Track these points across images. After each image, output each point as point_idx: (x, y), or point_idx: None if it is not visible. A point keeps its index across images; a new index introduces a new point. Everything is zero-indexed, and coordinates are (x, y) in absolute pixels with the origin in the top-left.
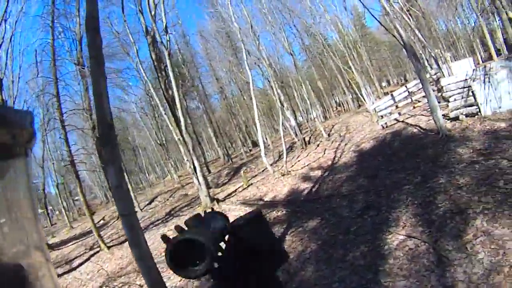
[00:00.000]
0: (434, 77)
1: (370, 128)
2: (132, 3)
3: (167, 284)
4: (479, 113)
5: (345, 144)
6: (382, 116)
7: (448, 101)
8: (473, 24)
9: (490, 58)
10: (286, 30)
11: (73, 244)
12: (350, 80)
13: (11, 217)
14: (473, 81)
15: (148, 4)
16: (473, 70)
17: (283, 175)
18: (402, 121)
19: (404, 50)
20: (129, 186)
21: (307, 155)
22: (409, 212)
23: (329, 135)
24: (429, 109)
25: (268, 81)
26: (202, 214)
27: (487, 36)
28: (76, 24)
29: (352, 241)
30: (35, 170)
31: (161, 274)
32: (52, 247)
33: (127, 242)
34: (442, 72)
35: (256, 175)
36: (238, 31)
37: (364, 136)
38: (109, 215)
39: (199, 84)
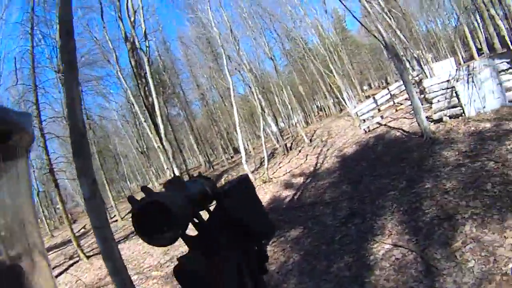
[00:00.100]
0: (416, 78)
1: (352, 132)
2: (112, 10)
3: None
4: (463, 114)
5: (327, 149)
6: (364, 120)
7: (431, 103)
8: (454, 25)
9: (471, 58)
10: (267, 34)
11: (53, 253)
12: (331, 84)
13: (14, 218)
14: (457, 81)
15: (127, 10)
16: (456, 70)
17: (265, 182)
18: (385, 125)
19: (385, 52)
20: (110, 194)
21: (289, 161)
22: (395, 219)
23: (311, 140)
24: (412, 112)
25: (249, 87)
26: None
27: (468, 36)
28: (56, 31)
29: (337, 251)
30: None
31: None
32: None
33: None
34: (425, 73)
35: None
36: (218, 36)
37: (346, 141)
38: (90, 224)
39: (180, 91)
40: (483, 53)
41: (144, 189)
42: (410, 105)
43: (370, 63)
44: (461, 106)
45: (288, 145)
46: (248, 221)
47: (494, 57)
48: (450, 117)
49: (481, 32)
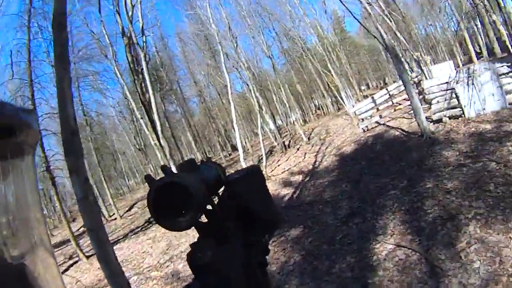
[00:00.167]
0: (415, 79)
1: (350, 131)
2: (110, 4)
3: None
4: (462, 115)
5: (326, 148)
6: (363, 119)
7: (430, 104)
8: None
9: (470, 61)
10: (265, 33)
11: None
12: (329, 83)
13: (22, 215)
14: (457, 83)
15: (125, 5)
16: (457, 72)
17: None
18: (383, 124)
19: (383, 53)
20: (108, 192)
21: (287, 159)
22: (397, 219)
23: (309, 138)
24: (411, 112)
25: (247, 84)
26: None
27: (468, 40)
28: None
29: (338, 251)
30: None
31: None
32: None
33: None
34: (425, 75)
35: None
36: (216, 33)
37: (345, 140)
38: None
39: (177, 88)
40: (482, 57)
41: (164, 168)
42: (409, 105)
43: (368, 63)
44: (461, 107)
45: (286, 143)
46: (258, 210)
47: (494, 61)
48: (450, 117)
49: (480, 37)
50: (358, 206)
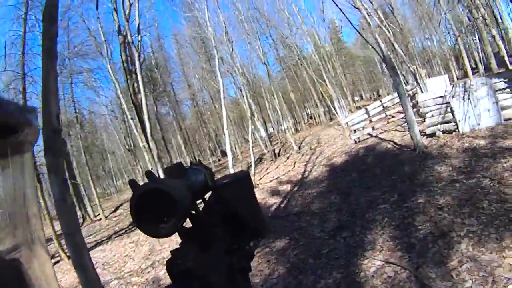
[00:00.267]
0: (410, 92)
1: (342, 142)
2: (108, 1)
3: None
4: (457, 130)
5: (316, 158)
6: (355, 130)
7: (425, 117)
8: (451, 44)
9: (465, 76)
10: (262, 39)
11: None
12: (323, 93)
13: (21, 210)
14: (452, 97)
15: (123, 3)
16: (453, 86)
17: None
18: (376, 136)
19: (378, 65)
20: (94, 191)
21: (276, 168)
22: (386, 234)
23: (299, 147)
24: (404, 125)
25: (240, 90)
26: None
27: (464, 54)
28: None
29: (324, 266)
30: None
31: None
32: None
33: (89, 252)
34: (421, 88)
35: None
36: (213, 36)
37: (336, 150)
38: None
39: (171, 90)
40: (477, 72)
41: (149, 174)
42: (403, 118)
43: (363, 74)
44: (455, 122)
45: (277, 151)
46: (245, 217)
47: (491, 76)
48: (444, 132)
49: (477, 52)
50: (346, 219)
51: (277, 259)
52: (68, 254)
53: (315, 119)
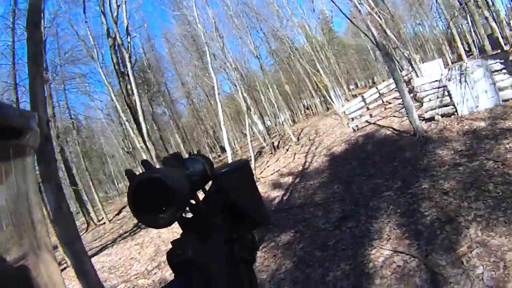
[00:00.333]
0: (405, 78)
1: (340, 131)
2: (96, 4)
3: None
4: (455, 113)
5: (316, 148)
6: (352, 119)
7: (421, 102)
8: (443, 29)
9: (459, 59)
10: (253, 34)
11: None
12: (318, 83)
13: (25, 216)
14: (449, 80)
15: (110, 5)
16: (449, 69)
17: None
18: (374, 123)
19: (371, 52)
20: (96, 196)
21: (277, 160)
22: (392, 222)
23: (298, 139)
24: (401, 111)
25: (235, 85)
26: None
27: (457, 38)
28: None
29: (332, 258)
30: None
31: None
32: None
33: (95, 257)
34: (416, 73)
35: None
36: (203, 33)
37: (335, 139)
38: (78, 227)
39: (165, 89)
40: (471, 54)
41: (145, 163)
42: (399, 104)
43: (357, 63)
44: (454, 105)
45: (275, 143)
46: (246, 206)
47: (486, 58)
48: (442, 115)
49: (470, 35)
50: (351, 208)
51: (283, 253)
52: None
53: (311, 110)
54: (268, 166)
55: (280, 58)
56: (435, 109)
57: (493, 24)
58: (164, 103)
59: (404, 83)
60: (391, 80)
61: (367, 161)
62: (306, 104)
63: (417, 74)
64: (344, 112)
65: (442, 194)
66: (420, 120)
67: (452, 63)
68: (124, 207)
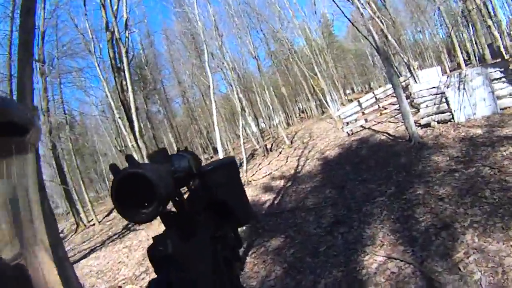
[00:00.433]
0: (403, 84)
1: (335, 135)
2: None
3: None
4: (452, 120)
5: (309, 152)
6: (347, 123)
7: (418, 108)
8: (443, 37)
9: (458, 67)
10: (253, 34)
11: None
12: (314, 87)
13: (25, 213)
14: (447, 87)
15: None
16: (448, 76)
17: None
18: (369, 128)
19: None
20: (86, 196)
21: (269, 163)
22: (386, 228)
23: (292, 142)
24: (397, 116)
25: (231, 85)
26: None
27: (457, 46)
28: (40, 16)
29: (323, 265)
30: None
31: None
32: None
33: (83, 260)
34: (415, 79)
35: None
36: (202, 31)
37: (328, 143)
38: (68, 228)
39: (161, 87)
40: (470, 63)
41: (129, 158)
42: (395, 109)
43: (355, 68)
44: (451, 112)
45: (269, 146)
46: (231, 204)
47: (486, 66)
48: (439, 122)
49: (470, 44)
50: (343, 214)
51: (273, 259)
52: None
53: (306, 113)
54: (260, 169)
55: (278, 60)
56: (431, 115)
57: (496, 33)
58: (160, 101)
59: (402, 89)
60: (388, 86)
61: (361, 166)
62: (301, 107)
63: (415, 80)
64: (339, 116)
65: (438, 200)
66: (416, 126)
67: (450, 71)
68: (114, 208)
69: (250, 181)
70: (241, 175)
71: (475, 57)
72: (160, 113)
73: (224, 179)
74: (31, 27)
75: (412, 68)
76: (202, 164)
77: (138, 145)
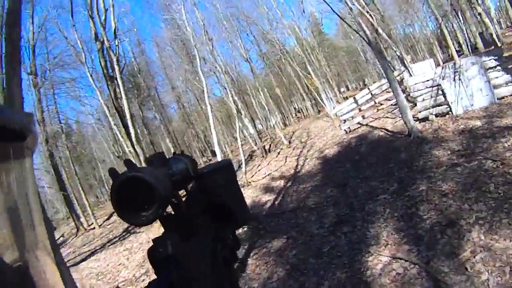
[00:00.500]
0: (398, 78)
1: (332, 133)
2: (84, 9)
3: None
4: (450, 112)
5: (308, 151)
6: (344, 121)
7: (415, 102)
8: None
9: (450, 59)
10: (243, 37)
11: None
12: (308, 86)
13: (24, 218)
14: (443, 79)
15: (98, 9)
16: (442, 68)
17: (243, 186)
18: (366, 125)
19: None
20: (86, 202)
21: (268, 164)
22: (390, 226)
23: (289, 142)
24: (394, 111)
25: (225, 88)
26: None
27: (448, 37)
28: (29, 30)
29: (326, 266)
30: None
31: None
32: None
33: (84, 262)
34: (409, 72)
35: None
36: (192, 36)
37: (327, 142)
38: (68, 232)
39: (155, 94)
40: (462, 54)
41: (127, 162)
42: (392, 105)
43: (347, 65)
44: (448, 104)
45: (267, 147)
46: (228, 205)
47: (481, 55)
48: (437, 115)
49: (461, 34)
50: (345, 213)
51: (276, 261)
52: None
53: (303, 113)
54: (259, 170)
55: (270, 61)
56: (429, 108)
57: (486, 20)
58: (155, 108)
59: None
60: (383, 81)
61: (361, 163)
62: (297, 107)
63: (410, 74)
64: (336, 114)
65: (441, 196)
66: (414, 120)
67: (443, 63)
68: (114, 212)
69: (250, 182)
70: (240, 177)
71: (467, 47)
72: (156, 119)
73: (221, 181)
74: (16, 38)
75: (405, 62)
76: (199, 167)
77: (135, 150)
